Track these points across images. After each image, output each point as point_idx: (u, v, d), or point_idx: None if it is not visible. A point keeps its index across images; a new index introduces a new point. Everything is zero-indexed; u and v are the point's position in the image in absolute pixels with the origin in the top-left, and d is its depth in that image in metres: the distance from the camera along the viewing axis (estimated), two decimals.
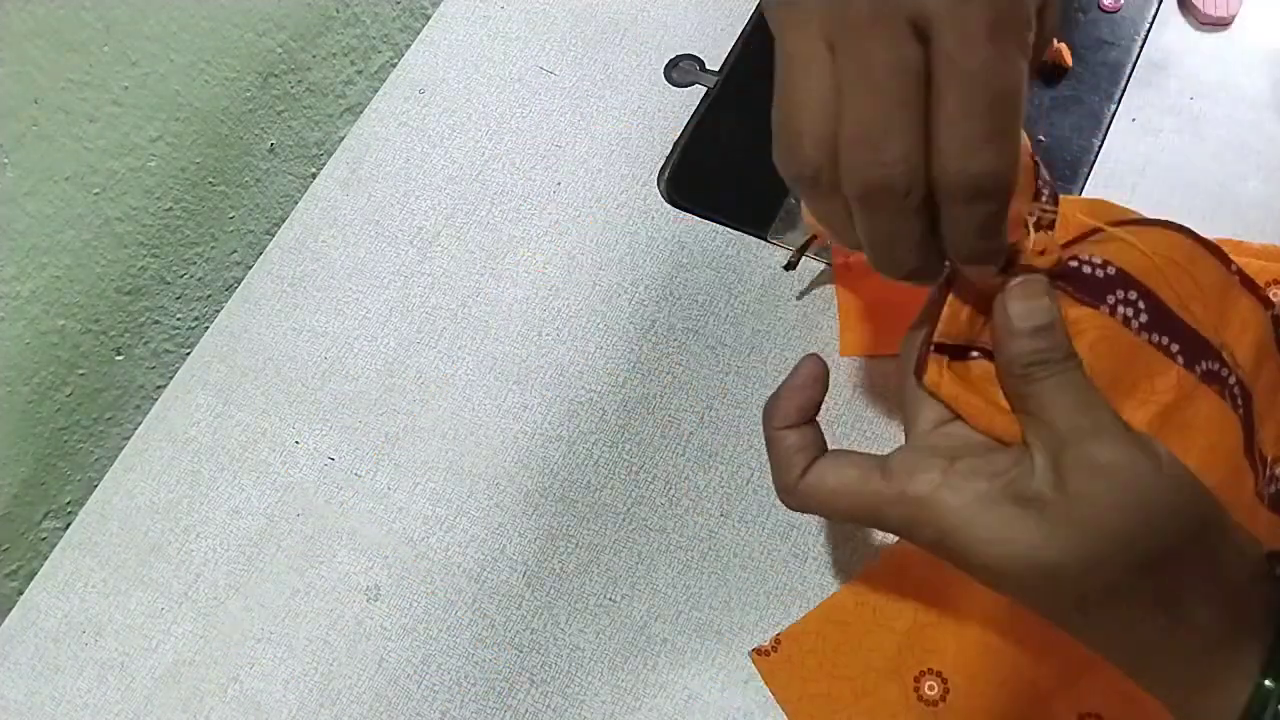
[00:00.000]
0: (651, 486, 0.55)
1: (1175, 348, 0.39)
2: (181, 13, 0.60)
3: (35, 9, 0.52)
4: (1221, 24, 0.62)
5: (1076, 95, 0.62)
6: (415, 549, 0.55)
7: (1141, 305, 0.39)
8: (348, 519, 0.57)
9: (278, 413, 0.60)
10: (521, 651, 0.52)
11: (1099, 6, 0.64)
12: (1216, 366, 0.40)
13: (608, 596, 0.53)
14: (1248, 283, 0.42)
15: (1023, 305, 0.37)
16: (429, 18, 0.72)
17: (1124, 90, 0.61)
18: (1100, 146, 0.60)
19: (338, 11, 0.70)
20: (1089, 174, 0.59)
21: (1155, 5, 0.64)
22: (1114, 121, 0.61)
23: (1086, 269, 0.39)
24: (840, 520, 0.40)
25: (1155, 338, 0.39)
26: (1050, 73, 0.62)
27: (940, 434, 0.38)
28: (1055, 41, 0.62)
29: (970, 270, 0.36)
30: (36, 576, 0.57)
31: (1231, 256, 0.43)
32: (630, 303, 0.60)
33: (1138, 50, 0.63)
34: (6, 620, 0.57)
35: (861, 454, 0.38)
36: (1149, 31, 0.63)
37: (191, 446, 0.59)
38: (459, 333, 0.61)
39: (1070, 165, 0.60)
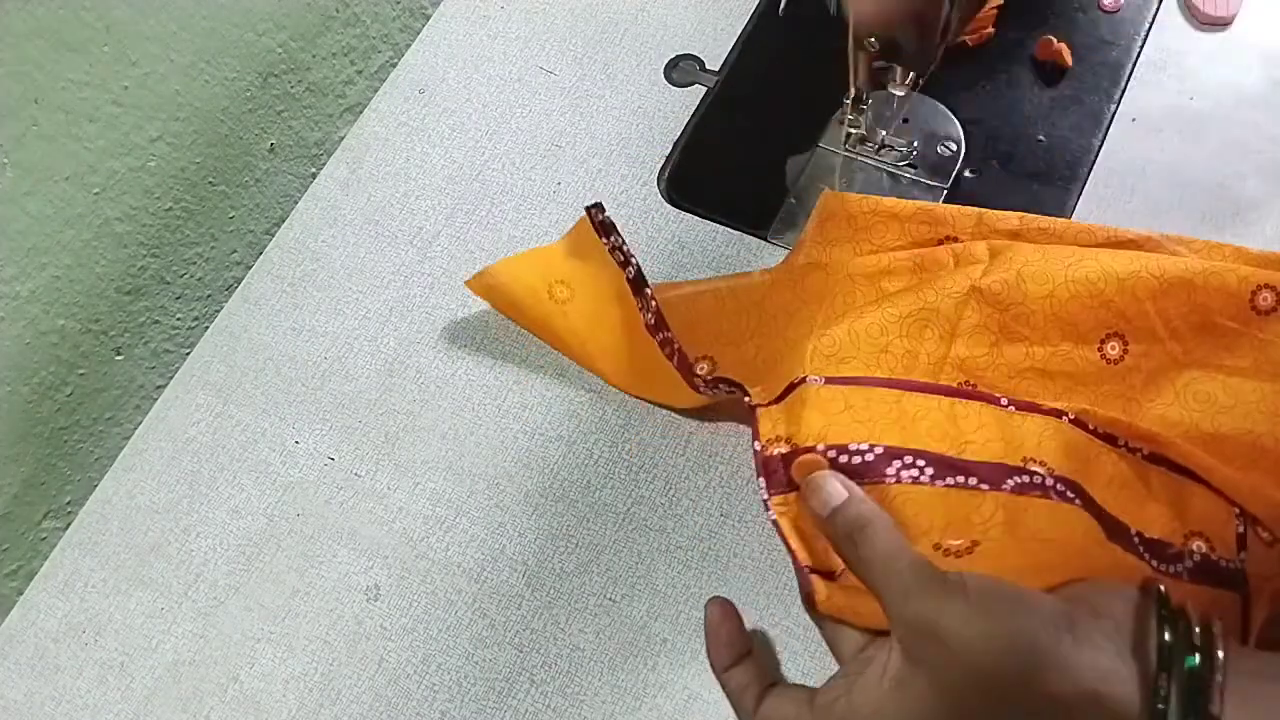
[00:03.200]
0: (651, 486, 0.55)
1: (974, 480, 0.45)
2: (181, 13, 0.60)
3: (35, 9, 0.52)
4: (1221, 24, 0.62)
5: (1076, 95, 0.62)
6: (415, 549, 0.55)
7: (920, 463, 0.45)
8: (348, 519, 0.57)
9: (278, 413, 0.60)
10: (521, 651, 0.52)
11: (1099, 6, 0.64)
12: (1025, 478, 0.45)
13: (608, 596, 0.53)
14: (1025, 406, 0.49)
15: (816, 498, 0.45)
16: (429, 18, 0.72)
17: (1124, 90, 0.62)
18: (1100, 146, 0.60)
19: (338, 11, 0.70)
20: (1089, 174, 0.59)
21: (1155, 5, 0.64)
22: (1114, 121, 0.61)
23: (856, 458, 0.46)
24: None
25: (949, 480, 0.45)
26: (1050, 73, 0.62)
27: (862, 659, 0.42)
28: (1055, 41, 0.62)
29: None
30: (36, 576, 0.57)
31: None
32: None
33: (1138, 50, 0.63)
34: (6, 620, 0.57)
35: (798, 689, 0.43)
36: (1149, 31, 0.63)
37: (191, 446, 0.59)
38: (459, 333, 0.61)
39: (1070, 165, 0.60)
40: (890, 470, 0.45)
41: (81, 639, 0.55)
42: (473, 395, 0.59)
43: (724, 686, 0.46)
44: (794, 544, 0.46)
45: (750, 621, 0.52)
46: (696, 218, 0.62)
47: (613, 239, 0.56)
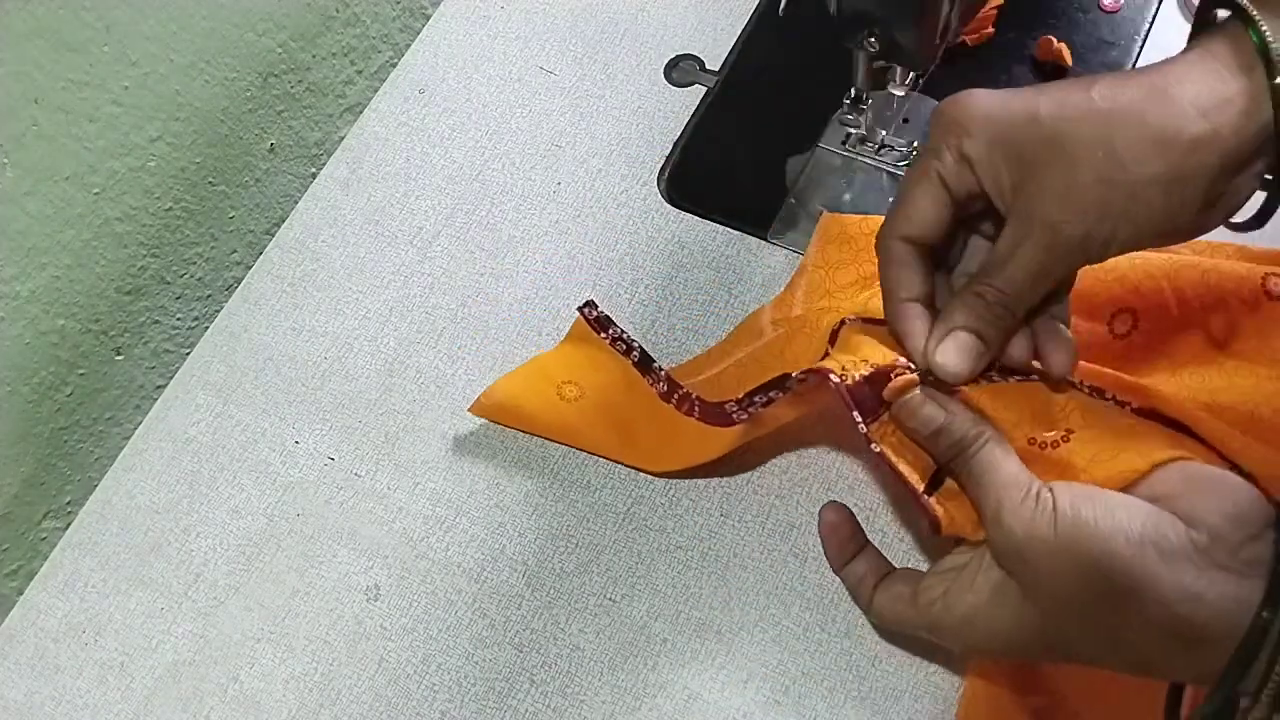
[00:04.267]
0: (651, 486, 0.55)
1: (1035, 379, 0.44)
2: (181, 13, 0.60)
3: (35, 9, 0.52)
4: None
5: None
6: (415, 549, 0.55)
7: (991, 373, 0.45)
8: (348, 519, 0.57)
9: (278, 413, 0.60)
10: (521, 651, 0.52)
11: (1099, 6, 0.64)
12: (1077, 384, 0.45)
13: (608, 596, 0.53)
14: (1007, 371, 0.48)
15: (915, 420, 0.43)
16: (429, 18, 0.72)
17: None
18: None
19: (338, 11, 0.70)
20: None
21: (1155, 5, 0.64)
22: None
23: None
24: (904, 627, 0.46)
25: (1018, 378, 0.44)
26: (1050, 73, 0.62)
27: (957, 560, 0.44)
28: (1055, 41, 0.62)
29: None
30: (36, 576, 0.57)
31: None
32: (630, 303, 0.60)
33: (1138, 50, 0.63)
34: (6, 620, 0.57)
35: (906, 582, 0.46)
36: (1149, 31, 0.63)
37: (191, 446, 0.59)
38: (459, 333, 0.61)
39: None
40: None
41: (81, 639, 0.55)
42: (472, 395, 0.59)
43: (844, 581, 0.49)
44: (904, 470, 0.44)
45: (750, 621, 0.52)
46: (696, 218, 0.62)
47: (611, 331, 0.56)
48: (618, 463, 0.56)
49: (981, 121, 0.39)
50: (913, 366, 0.44)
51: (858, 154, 0.62)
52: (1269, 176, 0.39)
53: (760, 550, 0.53)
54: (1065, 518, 0.38)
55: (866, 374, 0.44)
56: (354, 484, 0.57)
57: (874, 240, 0.50)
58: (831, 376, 0.45)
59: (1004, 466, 0.41)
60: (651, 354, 0.56)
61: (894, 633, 0.50)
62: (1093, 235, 0.38)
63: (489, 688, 0.52)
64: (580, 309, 0.56)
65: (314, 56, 0.69)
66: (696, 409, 0.53)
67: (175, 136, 0.62)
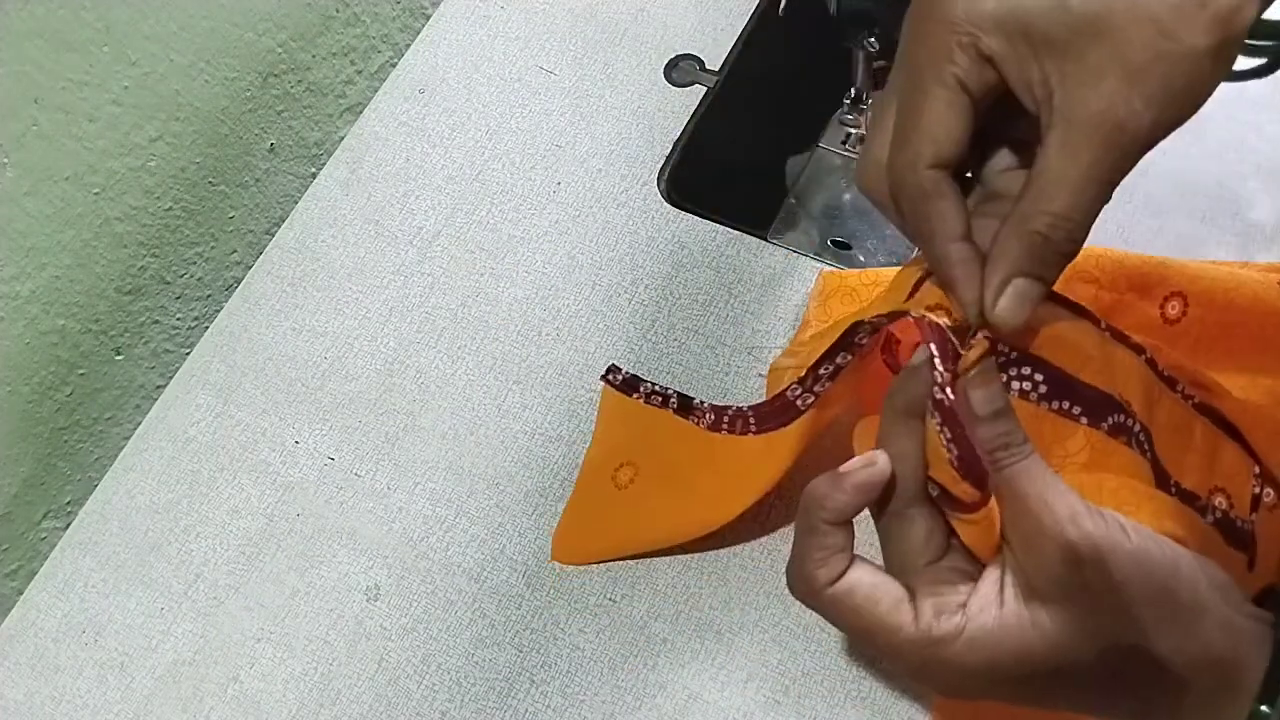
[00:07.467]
0: None
1: (1077, 410, 0.41)
2: (181, 13, 0.60)
3: (35, 9, 0.52)
4: None
5: None
6: (415, 549, 0.55)
7: (1039, 377, 0.40)
8: (348, 519, 0.57)
9: (278, 413, 0.60)
10: (521, 651, 0.52)
11: None
12: (1123, 418, 0.42)
13: (608, 596, 0.53)
14: (1118, 335, 0.44)
15: (982, 392, 0.37)
16: (429, 18, 0.72)
17: None
18: None
19: (338, 11, 0.70)
20: None
21: None
22: None
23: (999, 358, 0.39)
24: (848, 632, 0.39)
25: (1056, 405, 0.41)
26: None
27: (935, 569, 0.38)
28: None
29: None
30: (36, 576, 0.57)
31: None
32: (630, 303, 0.60)
33: None
34: (6, 620, 0.57)
35: (889, 578, 0.38)
36: None
37: (191, 446, 0.59)
38: (459, 333, 0.61)
39: None
40: (1005, 375, 0.40)
41: (81, 639, 0.55)
42: (473, 395, 0.59)
43: (812, 536, 0.38)
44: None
45: (750, 621, 0.52)
46: (696, 218, 0.62)
47: (642, 389, 0.53)
48: (688, 550, 0.53)
49: (997, 16, 0.34)
50: (988, 336, 0.39)
51: (858, 154, 0.62)
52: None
53: (760, 550, 0.53)
54: (1137, 530, 0.35)
55: (949, 323, 0.38)
56: (354, 484, 0.57)
57: (875, 289, 0.44)
58: (912, 315, 0.39)
59: (1056, 478, 0.36)
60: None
61: (825, 619, 0.39)
62: (1159, 121, 0.33)
63: (489, 688, 0.52)
64: (604, 377, 0.54)
65: (314, 56, 0.69)
66: (752, 421, 0.49)
67: (175, 136, 0.62)
